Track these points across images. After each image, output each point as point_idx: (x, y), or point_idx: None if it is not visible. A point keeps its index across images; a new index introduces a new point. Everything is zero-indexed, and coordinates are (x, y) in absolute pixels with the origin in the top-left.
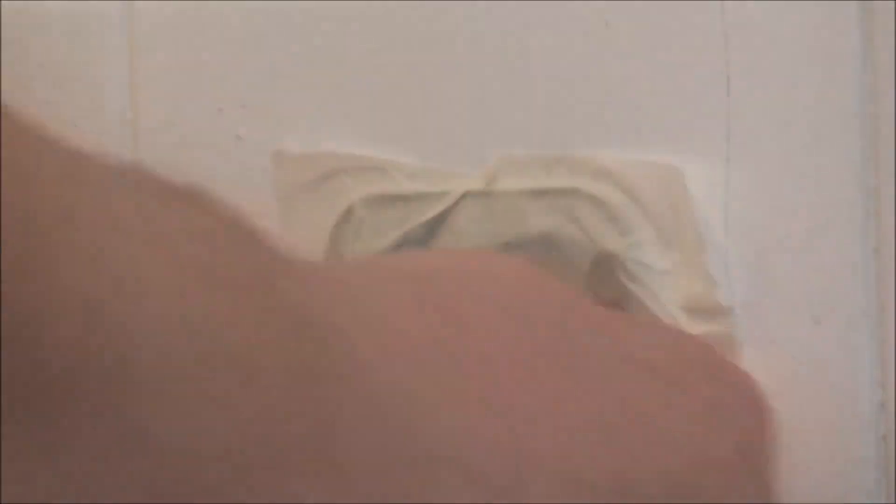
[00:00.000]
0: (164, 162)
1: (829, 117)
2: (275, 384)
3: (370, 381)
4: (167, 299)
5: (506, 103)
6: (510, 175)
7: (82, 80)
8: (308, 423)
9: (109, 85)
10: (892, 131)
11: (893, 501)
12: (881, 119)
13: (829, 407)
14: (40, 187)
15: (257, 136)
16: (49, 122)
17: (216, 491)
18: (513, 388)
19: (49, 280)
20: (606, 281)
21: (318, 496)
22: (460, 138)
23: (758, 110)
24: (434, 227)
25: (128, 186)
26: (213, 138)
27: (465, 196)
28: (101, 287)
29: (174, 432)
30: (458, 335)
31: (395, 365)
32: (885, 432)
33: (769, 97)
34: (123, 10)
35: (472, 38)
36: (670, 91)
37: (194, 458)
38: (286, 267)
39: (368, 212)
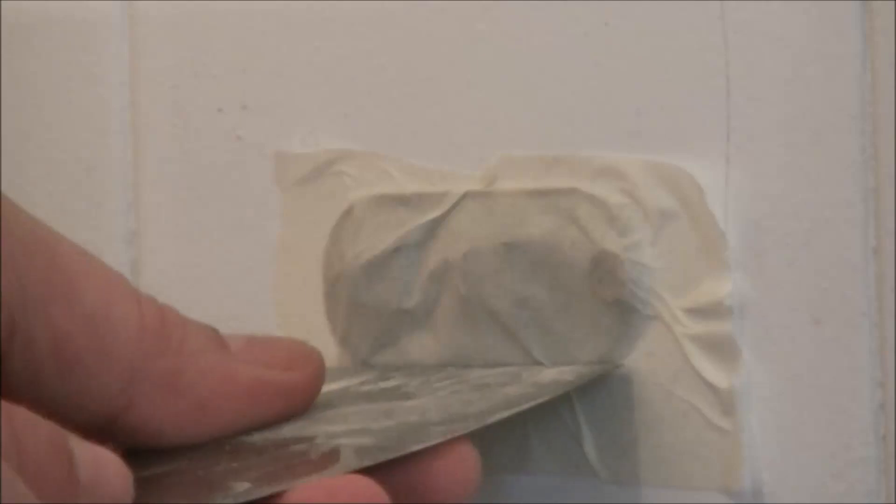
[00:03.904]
0: (165, 162)
1: (829, 117)
2: None
3: None
4: None
5: (506, 103)
6: (510, 175)
7: (82, 80)
8: None
9: (109, 85)
10: (892, 131)
11: (893, 501)
12: (881, 119)
13: (829, 407)
14: None
15: (257, 136)
16: (49, 123)
17: None
18: None
19: None
20: (606, 281)
21: None
22: (460, 138)
23: (758, 110)
24: (434, 227)
25: None
26: (213, 138)
27: (465, 196)
28: None
29: None
30: None
31: None
32: (885, 432)
33: (769, 97)
34: (123, 10)
35: (472, 38)
36: (670, 91)
37: None
38: None
39: (368, 212)
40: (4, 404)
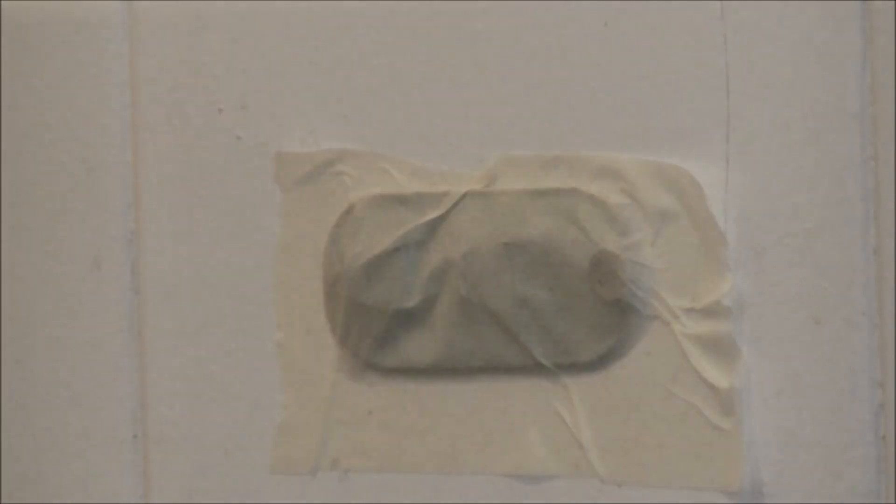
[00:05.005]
0: (165, 162)
1: (829, 117)
2: None
3: None
4: None
5: (506, 103)
6: (510, 175)
7: (82, 80)
8: None
9: (109, 85)
10: (892, 131)
11: (893, 501)
12: (881, 119)
13: (829, 407)
14: None
15: (257, 136)
16: (49, 123)
17: None
18: None
19: None
20: (606, 281)
21: None
22: (460, 138)
23: (758, 110)
24: (434, 227)
25: None
26: (213, 138)
27: (465, 196)
28: None
29: None
30: None
31: None
32: (885, 432)
33: (769, 97)
34: (123, 10)
35: (472, 38)
36: (670, 91)
37: None
38: None
39: (368, 212)
40: None
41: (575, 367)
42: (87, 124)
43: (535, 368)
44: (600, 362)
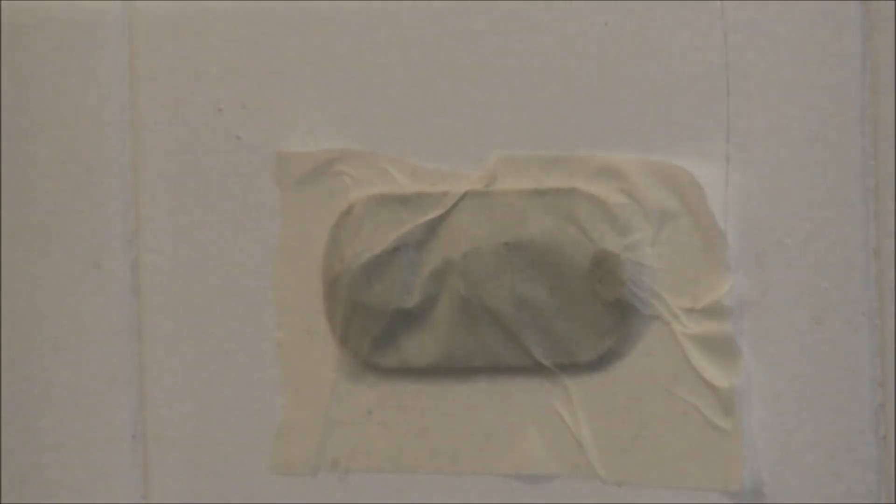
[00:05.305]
0: (165, 162)
1: (829, 117)
2: None
3: None
4: None
5: (506, 103)
6: (510, 175)
7: (82, 80)
8: None
9: (109, 85)
10: (892, 131)
11: (893, 501)
12: (881, 119)
13: (829, 407)
14: None
15: (257, 136)
16: (49, 123)
17: None
18: None
19: None
20: (606, 281)
21: None
22: (460, 138)
23: (758, 110)
24: (434, 227)
25: None
26: (213, 138)
27: (465, 196)
28: None
29: None
30: None
31: None
32: (885, 432)
33: (769, 97)
34: (123, 10)
35: (471, 38)
36: (670, 91)
37: None
38: None
39: (368, 212)
40: None
41: (575, 368)
42: (87, 124)
43: (535, 368)
44: (600, 362)
